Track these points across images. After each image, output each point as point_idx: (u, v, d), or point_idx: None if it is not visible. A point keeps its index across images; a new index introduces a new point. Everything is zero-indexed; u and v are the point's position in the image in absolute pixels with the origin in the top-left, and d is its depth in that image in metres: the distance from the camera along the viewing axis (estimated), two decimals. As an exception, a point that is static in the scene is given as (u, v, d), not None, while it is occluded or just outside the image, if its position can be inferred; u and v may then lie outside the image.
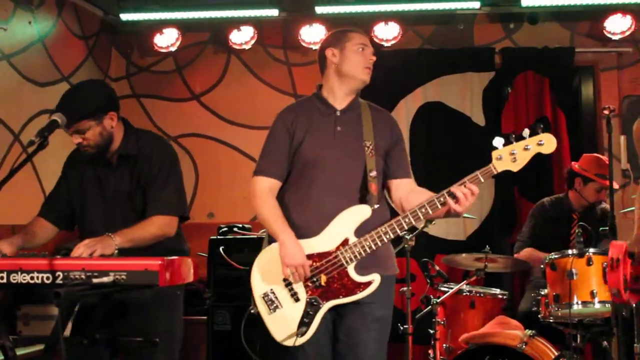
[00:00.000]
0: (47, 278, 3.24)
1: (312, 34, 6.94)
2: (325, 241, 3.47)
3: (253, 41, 7.08)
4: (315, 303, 3.44)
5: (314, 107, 3.64)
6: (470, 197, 3.35)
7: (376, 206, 3.50)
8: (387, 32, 6.92)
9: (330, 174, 3.51)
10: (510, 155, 3.36)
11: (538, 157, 6.84)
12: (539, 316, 5.02)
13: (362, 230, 3.46)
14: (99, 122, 3.72)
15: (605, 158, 5.75)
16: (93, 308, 3.53)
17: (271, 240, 3.57)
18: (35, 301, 4.52)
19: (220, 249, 5.11)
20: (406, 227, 3.43)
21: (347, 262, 3.43)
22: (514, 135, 3.38)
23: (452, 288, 5.32)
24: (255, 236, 5.25)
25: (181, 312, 3.91)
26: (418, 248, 5.27)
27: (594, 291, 4.60)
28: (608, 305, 4.62)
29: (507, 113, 7.08)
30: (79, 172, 3.91)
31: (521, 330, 4.89)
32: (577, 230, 4.76)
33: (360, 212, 3.48)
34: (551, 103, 7.03)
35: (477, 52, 7.18)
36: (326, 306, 3.46)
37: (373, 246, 3.42)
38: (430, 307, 5.21)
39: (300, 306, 3.46)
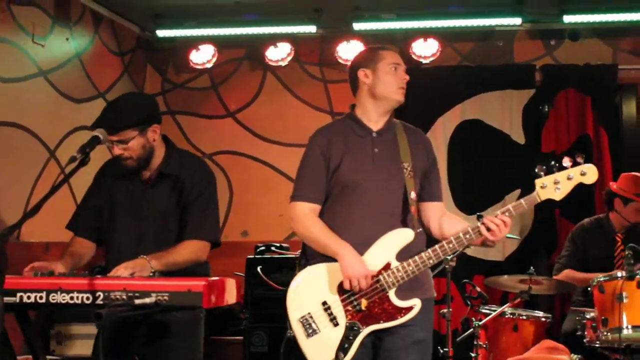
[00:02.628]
0: (87, 298, 3.19)
1: (350, 51, 6.84)
2: (367, 264, 3.37)
3: (289, 58, 7.01)
4: (355, 328, 3.35)
5: (349, 128, 3.54)
6: (504, 228, 3.30)
7: (419, 230, 3.43)
8: (426, 49, 6.82)
9: (370, 197, 3.43)
10: (554, 184, 3.36)
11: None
12: (585, 340, 4.89)
13: (403, 254, 3.38)
14: (142, 133, 3.66)
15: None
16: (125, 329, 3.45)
17: (305, 263, 3.51)
18: (71, 320, 4.45)
19: (258, 268, 5.02)
20: (450, 253, 3.37)
21: (389, 286, 3.35)
22: (556, 164, 3.37)
23: (493, 310, 5.19)
24: (293, 255, 5.15)
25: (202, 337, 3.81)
26: (455, 269, 5.15)
27: (646, 315, 4.45)
28: (660, 330, 4.49)
29: (547, 131, 6.94)
30: (111, 184, 3.84)
31: (567, 354, 4.75)
32: (627, 253, 4.61)
33: (403, 236, 3.40)
34: (593, 121, 6.88)
35: (516, 69, 7.06)
36: (366, 331, 3.37)
37: (416, 271, 3.35)
38: (471, 329, 5.08)
39: (340, 331, 3.36)
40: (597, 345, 4.81)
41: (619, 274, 4.62)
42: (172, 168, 3.77)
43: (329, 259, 3.40)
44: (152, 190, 3.78)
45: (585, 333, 4.89)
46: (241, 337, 5.17)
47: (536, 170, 3.37)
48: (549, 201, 3.38)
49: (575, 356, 4.74)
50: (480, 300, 5.42)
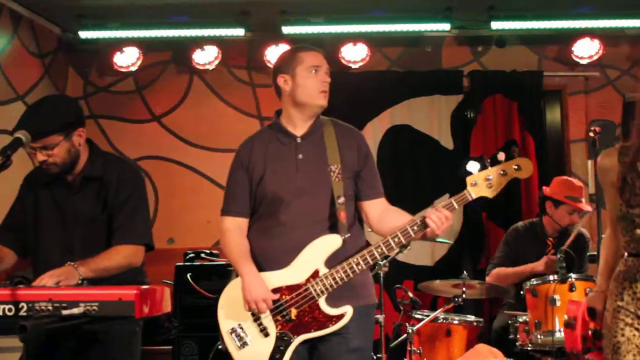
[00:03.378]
0: (9, 310, 2.99)
1: (278, 55, 6.74)
2: (294, 273, 3.30)
3: (217, 61, 6.89)
4: (285, 338, 3.28)
5: (273, 136, 3.44)
6: (446, 221, 3.19)
7: (347, 235, 3.30)
8: (355, 54, 6.80)
9: (296, 205, 3.33)
10: (485, 181, 3.21)
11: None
12: (517, 344, 4.90)
13: (333, 260, 3.29)
14: (67, 138, 3.48)
15: (575, 180, 5.69)
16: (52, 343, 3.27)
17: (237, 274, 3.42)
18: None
19: (188, 275, 4.87)
20: (379, 257, 3.26)
21: (317, 294, 3.26)
22: (488, 160, 3.25)
23: (425, 315, 5.16)
24: (223, 262, 5.02)
25: (139, 350, 3.66)
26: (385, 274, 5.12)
27: (577, 318, 4.47)
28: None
29: (475, 137, 7.00)
30: (34, 194, 3.66)
31: (502, 358, 4.74)
32: (559, 256, 4.64)
33: (330, 242, 3.30)
34: (520, 127, 6.98)
35: (445, 75, 7.10)
36: (297, 340, 3.28)
37: (345, 277, 3.25)
38: (405, 335, 5.05)
39: (270, 341, 3.28)
40: (529, 349, 4.83)
41: (551, 277, 4.65)
42: (95, 171, 3.60)
43: (259, 269, 3.33)
44: (77, 196, 3.61)
45: (518, 336, 4.91)
46: (170, 347, 5.00)
47: (467, 167, 3.23)
48: (482, 199, 3.33)
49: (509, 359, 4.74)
50: (411, 305, 5.39)
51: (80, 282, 3.28)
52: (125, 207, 3.56)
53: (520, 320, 4.93)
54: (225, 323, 3.33)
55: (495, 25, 6.57)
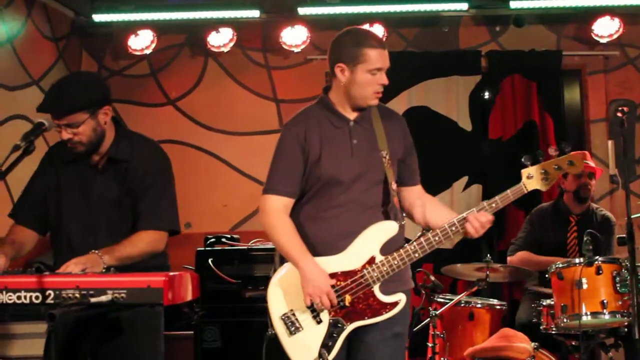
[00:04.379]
0: (37, 297, 2.96)
1: (294, 36, 6.70)
2: (350, 259, 3.25)
3: (232, 43, 6.80)
4: (339, 325, 3.23)
5: (325, 116, 3.35)
6: (487, 225, 3.22)
7: (403, 222, 3.30)
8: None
9: (351, 191, 3.28)
10: (540, 174, 3.25)
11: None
12: (541, 327, 4.86)
13: (388, 247, 3.25)
14: (93, 116, 3.43)
15: (586, 152, 5.65)
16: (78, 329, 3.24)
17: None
18: (15, 319, 4.18)
19: (210, 261, 4.80)
20: (436, 246, 3.23)
21: (373, 281, 3.22)
22: (542, 154, 3.30)
23: (447, 299, 5.11)
24: (245, 247, 4.95)
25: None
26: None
27: (604, 301, 4.43)
28: (618, 316, 4.48)
29: (494, 118, 6.93)
30: (57, 170, 3.62)
31: (527, 342, 4.69)
32: (585, 239, 4.58)
33: (387, 229, 3.27)
34: (539, 107, 6.90)
35: (462, 55, 7.01)
36: (350, 327, 3.25)
37: (402, 265, 3.23)
38: (428, 319, 5.00)
39: (323, 328, 3.24)
40: (553, 332, 4.79)
41: (578, 260, 4.59)
42: (122, 153, 3.56)
43: (312, 253, 3.26)
44: (102, 177, 3.57)
45: (542, 320, 4.86)
46: (191, 332, 4.95)
47: (522, 160, 3.28)
48: (536, 191, 3.36)
49: (534, 344, 4.68)
50: (432, 289, 5.34)
51: (104, 270, 3.25)
52: (150, 192, 3.52)
53: (544, 303, 4.87)
54: (277, 309, 3.27)
55: (514, 4, 6.48)
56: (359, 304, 3.22)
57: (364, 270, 3.22)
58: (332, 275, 3.22)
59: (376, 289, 3.23)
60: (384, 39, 6.62)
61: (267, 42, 7.04)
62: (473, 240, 6.85)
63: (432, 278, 5.34)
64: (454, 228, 3.21)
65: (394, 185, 3.28)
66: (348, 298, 3.20)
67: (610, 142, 6.57)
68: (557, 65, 6.93)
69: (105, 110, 3.49)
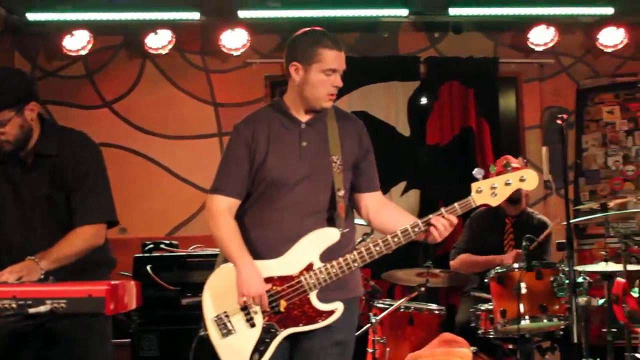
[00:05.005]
0: (-30, 308, 2.82)
1: (234, 40, 6.65)
2: (288, 264, 3.20)
3: (170, 46, 6.71)
4: (272, 330, 3.18)
5: (276, 118, 3.30)
6: (449, 227, 3.17)
7: (346, 230, 3.24)
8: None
9: (295, 193, 3.23)
10: (490, 189, 3.18)
11: (461, 167, 6.84)
12: (479, 331, 4.90)
13: (328, 254, 3.19)
14: (19, 113, 3.30)
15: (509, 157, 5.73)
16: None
17: (224, 260, 3.28)
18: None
19: (148, 267, 4.72)
20: (376, 256, 3.17)
21: (310, 288, 3.17)
22: (495, 168, 3.29)
23: (387, 304, 5.12)
24: (184, 253, 4.88)
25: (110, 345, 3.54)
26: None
27: (543, 305, 4.50)
28: (556, 320, 4.55)
29: (432, 123, 6.99)
30: None
31: (467, 347, 4.72)
32: (524, 244, 4.65)
33: (328, 235, 3.21)
34: (476, 113, 6.98)
35: (401, 61, 7.06)
36: (284, 334, 3.19)
37: (340, 273, 3.16)
38: (369, 324, 5.00)
39: (256, 332, 3.18)
40: (491, 336, 4.84)
41: (517, 265, 4.65)
42: (49, 148, 3.43)
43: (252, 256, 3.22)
44: (31, 175, 3.44)
45: (480, 324, 4.91)
46: (128, 340, 4.86)
47: (473, 173, 3.22)
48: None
49: (473, 348, 4.72)
50: (371, 294, 5.34)
51: (42, 276, 3.14)
52: (83, 185, 3.40)
53: (483, 308, 4.93)
54: (210, 310, 3.22)
55: (453, 11, 6.56)
56: (294, 310, 3.18)
57: (301, 276, 3.17)
58: (269, 280, 3.18)
59: (312, 296, 3.18)
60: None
61: (206, 45, 6.96)
62: (411, 246, 6.94)
63: (372, 283, 5.34)
64: (396, 239, 3.15)
65: (341, 192, 3.24)
66: (283, 303, 3.16)
67: (544, 149, 6.66)
68: (494, 72, 7.05)
69: (31, 107, 3.36)
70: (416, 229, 3.16)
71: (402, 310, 5.12)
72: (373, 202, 3.40)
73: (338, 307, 3.19)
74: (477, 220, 5.75)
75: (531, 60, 7.13)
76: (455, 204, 3.20)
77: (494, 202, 3.19)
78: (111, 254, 3.67)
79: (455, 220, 3.16)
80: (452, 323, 5.57)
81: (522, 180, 3.19)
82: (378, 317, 4.97)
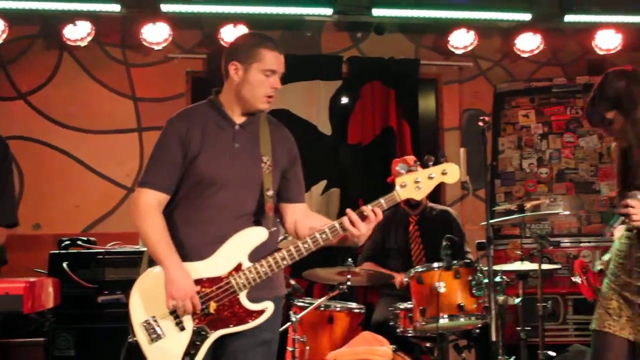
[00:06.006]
0: None
1: (155, 33, 6.55)
2: (216, 265, 3.17)
3: (89, 38, 6.54)
4: (202, 332, 3.14)
5: (211, 116, 3.29)
6: (374, 221, 3.17)
7: (273, 229, 3.25)
8: (235, 35, 6.56)
9: (225, 193, 3.22)
10: (414, 184, 3.22)
11: (381, 167, 6.91)
12: (398, 330, 4.96)
13: (257, 253, 3.19)
14: None
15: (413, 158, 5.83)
16: None
17: (153, 261, 3.22)
18: None
19: (64, 264, 4.60)
20: (305, 253, 3.17)
21: (239, 288, 3.15)
22: (418, 162, 3.33)
23: (308, 303, 5.12)
24: (102, 250, 4.78)
25: None
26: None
27: (461, 304, 4.58)
28: (473, 318, 4.64)
29: (353, 123, 7.04)
30: None
31: (387, 345, 4.77)
32: (444, 243, 4.72)
33: (257, 235, 3.21)
34: (396, 114, 7.07)
35: (324, 60, 7.09)
36: (214, 335, 3.16)
37: (269, 272, 3.16)
38: (289, 323, 4.99)
39: (186, 336, 3.14)
40: (409, 335, 4.90)
41: (436, 264, 4.72)
42: None
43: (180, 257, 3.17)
44: None
45: (399, 323, 4.96)
46: (42, 339, 4.72)
47: (397, 167, 3.27)
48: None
49: (392, 346, 4.77)
50: (292, 293, 5.34)
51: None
52: None
53: (401, 307, 4.98)
54: (138, 314, 3.15)
55: (376, 12, 6.61)
56: (224, 311, 3.15)
57: (230, 277, 3.15)
58: (198, 282, 3.14)
59: (242, 297, 3.16)
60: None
61: (126, 38, 6.84)
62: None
63: (292, 282, 5.34)
64: (324, 235, 3.15)
65: (270, 192, 3.24)
66: (213, 305, 3.13)
67: (462, 150, 6.77)
68: (415, 73, 7.14)
69: None
70: (344, 224, 3.16)
71: (322, 309, 5.13)
72: (299, 213, 3.42)
73: (268, 306, 3.19)
74: (380, 225, 5.78)
75: (451, 62, 7.26)
76: (381, 199, 3.22)
77: (419, 196, 3.24)
78: (5, 254, 3.57)
79: (381, 214, 3.17)
80: (370, 321, 5.63)
81: (444, 173, 3.25)
82: (298, 316, 4.96)
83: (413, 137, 7.07)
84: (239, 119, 3.30)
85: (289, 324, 5.02)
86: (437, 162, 3.29)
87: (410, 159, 5.66)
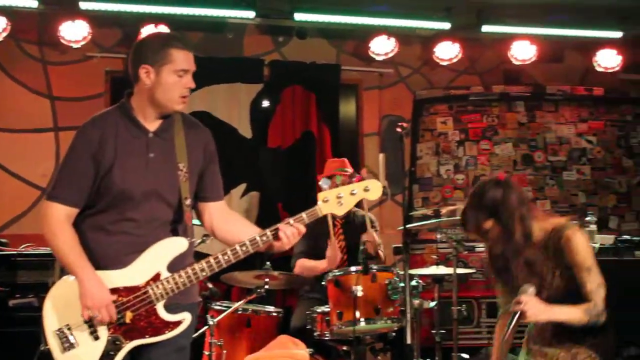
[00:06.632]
0: None
1: (74, 31, 6.43)
2: (134, 274, 3.11)
3: (5, 33, 6.36)
4: (117, 342, 3.07)
5: (123, 125, 3.18)
6: (297, 235, 3.19)
7: (193, 239, 3.23)
8: (151, 36, 6.55)
9: (142, 205, 3.15)
10: (336, 199, 3.23)
11: (301, 171, 6.94)
12: (315, 334, 4.98)
13: (176, 263, 3.13)
14: None
15: (345, 160, 5.92)
16: None
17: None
18: None
19: (-27, 267, 4.48)
20: (224, 265, 3.14)
21: (157, 298, 3.09)
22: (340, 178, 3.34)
23: (225, 306, 5.11)
24: (14, 252, 4.66)
25: None
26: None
27: (378, 308, 4.62)
28: (390, 322, 4.69)
29: (274, 127, 7.05)
30: None
31: (304, 349, 4.78)
32: (361, 248, 4.77)
33: (176, 245, 3.16)
34: (317, 119, 7.11)
35: (246, 63, 7.08)
36: (129, 346, 3.09)
37: (187, 283, 3.11)
38: (206, 327, 4.97)
39: (100, 345, 3.07)
40: (327, 338, 4.93)
41: (353, 268, 4.76)
42: None
43: (95, 266, 3.10)
44: None
45: (316, 326, 4.98)
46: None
47: (320, 183, 3.30)
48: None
49: (309, 349, 4.79)
50: (209, 296, 5.31)
51: None
52: None
53: (319, 310, 5.00)
54: (51, 323, 3.07)
55: (298, 16, 6.63)
56: (140, 321, 3.09)
57: (148, 286, 3.09)
58: (114, 291, 3.08)
59: (159, 307, 3.11)
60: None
61: (44, 35, 6.68)
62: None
63: (210, 285, 5.31)
64: (244, 248, 3.13)
65: (187, 201, 3.19)
66: (129, 315, 3.07)
67: (381, 155, 6.86)
68: (336, 78, 7.20)
69: None
70: (264, 238, 3.16)
71: (239, 312, 5.13)
72: (217, 211, 3.37)
73: (185, 317, 3.15)
74: (309, 224, 5.82)
75: (371, 69, 7.34)
76: (303, 213, 3.22)
77: (340, 211, 3.26)
78: None
79: (303, 229, 3.19)
80: (288, 325, 5.64)
81: (366, 190, 3.27)
82: (215, 319, 4.94)
83: (333, 142, 7.12)
84: (152, 125, 3.21)
85: (206, 327, 4.99)
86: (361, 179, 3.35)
87: (344, 162, 5.74)
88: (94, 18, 6.41)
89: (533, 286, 3.33)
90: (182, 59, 3.15)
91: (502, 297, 3.71)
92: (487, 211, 3.46)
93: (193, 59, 3.21)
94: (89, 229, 3.16)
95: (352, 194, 3.25)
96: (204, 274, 3.12)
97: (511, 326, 3.31)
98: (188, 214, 3.20)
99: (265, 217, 6.91)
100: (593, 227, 5.69)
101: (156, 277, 3.10)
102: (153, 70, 3.11)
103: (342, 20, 6.78)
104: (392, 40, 7.01)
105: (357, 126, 7.45)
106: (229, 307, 5.03)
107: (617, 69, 7.38)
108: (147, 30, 6.51)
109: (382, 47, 7.05)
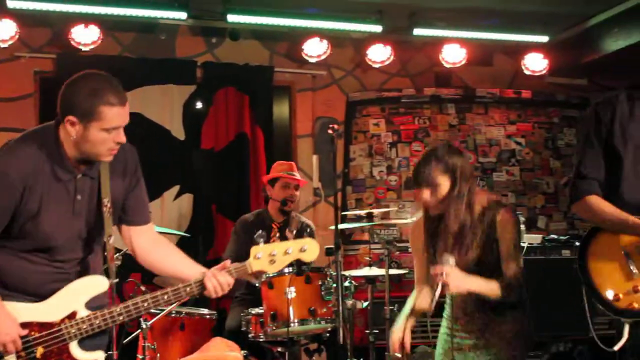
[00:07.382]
0: None
1: (1, 31, 6.27)
2: (49, 310, 3.02)
3: None
4: None
5: (50, 165, 2.99)
6: (226, 287, 3.15)
7: (116, 281, 3.15)
8: (86, 36, 6.46)
9: (66, 247, 3.05)
10: (269, 257, 3.20)
11: (235, 173, 6.91)
12: (250, 335, 4.98)
13: (94, 301, 3.06)
14: None
15: (293, 163, 6.04)
16: None
17: None
18: None
19: None
20: (143, 312, 3.09)
21: (70, 337, 3.01)
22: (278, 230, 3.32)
23: (158, 309, 5.06)
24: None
25: None
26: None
27: (312, 309, 4.64)
28: (323, 322, 4.71)
29: (207, 128, 7.02)
30: None
31: (238, 351, 4.78)
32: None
33: (96, 285, 3.10)
34: (250, 120, 7.10)
35: (178, 65, 7.03)
36: None
37: (103, 326, 3.03)
38: (139, 330, 4.92)
39: None
40: (261, 340, 4.93)
41: (287, 270, 4.76)
42: None
43: (6, 297, 2.99)
44: None
45: (251, 328, 4.98)
46: None
47: (255, 236, 3.25)
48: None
49: (243, 352, 4.78)
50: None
51: None
52: None
53: (253, 312, 5.00)
54: None
55: (231, 18, 6.58)
56: (50, 357, 3.00)
57: (62, 324, 3.01)
58: (26, 325, 2.99)
59: (73, 346, 3.02)
60: (100, 41, 6.47)
61: (-32, 34, 6.50)
62: (184, 250, 6.91)
63: (143, 288, 5.25)
64: (166, 297, 3.09)
65: (111, 239, 3.10)
66: (40, 350, 2.98)
67: (315, 157, 6.95)
68: (269, 80, 7.20)
69: None
70: (187, 289, 3.13)
71: (173, 315, 5.09)
72: (142, 236, 3.28)
73: (99, 357, 3.09)
74: (242, 227, 5.83)
75: (304, 70, 7.36)
76: (232, 268, 3.19)
77: (272, 270, 3.24)
78: None
79: (231, 281, 3.15)
80: (222, 327, 5.63)
81: (302, 250, 3.24)
82: (149, 323, 4.90)
83: (267, 144, 7.12)
84: (81, 164, 3.05)
85: (139, 331, 4.94)
86: (299, 236, 3.35)
87: (292, 166, 5.88)
88: (22, 17, 6.27)
89: (453, 257, 3.41)
90: (113, 117, 2.92)
91: (417, 268, 3.91)
92: (445, 168, 3.52)
93: (127, 113, 3.01)
94: (8, 262, 3.04)
95: (286, 252, 3.21)
96: (120, 318, 3.04)
97: (435, 297, 3.38)
98: (111, 254, 3.12)
99: (199, 219, 6.89)
100: (522, 227, 5.83)
101: (72, 316, 3.03)
102: (80, 124, 2.91)
103: (275, 22, 6.77)
104: (325, 42, 7.04)
105: (290, 128, 7.47)
106: (162, 310, 4.99)
107: (544, 72, 7.56)
108: (77, 31, 6.42)
109: (315, 49, 7.07)
